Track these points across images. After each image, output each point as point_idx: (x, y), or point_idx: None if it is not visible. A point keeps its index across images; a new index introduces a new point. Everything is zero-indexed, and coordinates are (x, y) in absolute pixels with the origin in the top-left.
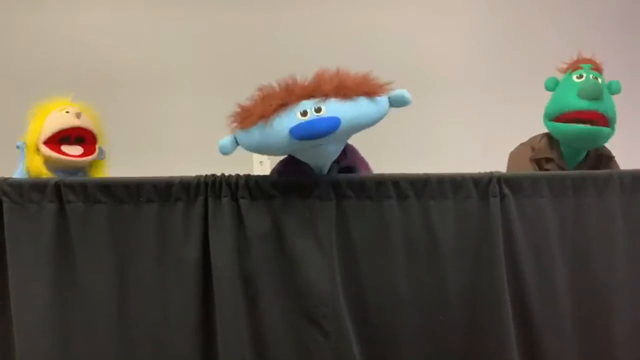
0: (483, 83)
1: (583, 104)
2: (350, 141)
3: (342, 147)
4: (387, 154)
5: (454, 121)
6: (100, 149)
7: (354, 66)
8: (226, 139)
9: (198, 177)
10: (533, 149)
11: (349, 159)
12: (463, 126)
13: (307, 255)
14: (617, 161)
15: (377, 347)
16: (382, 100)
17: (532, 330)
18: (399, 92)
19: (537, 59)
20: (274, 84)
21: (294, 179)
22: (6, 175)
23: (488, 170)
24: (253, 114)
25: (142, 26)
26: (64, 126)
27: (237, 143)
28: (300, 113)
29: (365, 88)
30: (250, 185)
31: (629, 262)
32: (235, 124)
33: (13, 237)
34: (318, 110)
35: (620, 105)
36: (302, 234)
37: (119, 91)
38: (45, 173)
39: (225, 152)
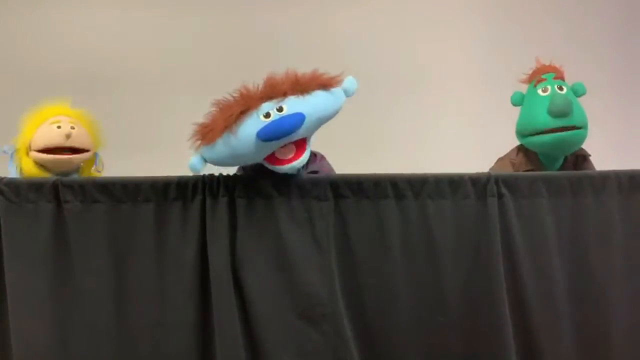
0: (482, 83)
1: (555, 123)
2: (348, 139)
3: (307, 157)
4: (385, 153)
5: (452, 121)
6: (96, 154)
7: (355, 66)
8: (194, 158)
9: (196, 177)
10: (513, 164)
11: (316, 164)
12: (461, 126)
13: (305, 255)
14: (617, 161)
15: (375, 347)
16: (337, 91)
17: (530, 330)
18: (348, 80)
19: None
20: (229, 97)
21: (292, 178)
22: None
23: (486, 170)
24: (215, 128)
25: (142, 26)
26: (51, 145)
27: (205, 160)
28: (263, 115)
29: (319, 81)
30: (247, 185)
31: (627, 261)
32: (199, 142)
33: (10, 236)
34: (280, 109)
35: (620, 105)
36: (299, 234)
37: (117, 90)
38: (37, 173)
39: (195, 170)
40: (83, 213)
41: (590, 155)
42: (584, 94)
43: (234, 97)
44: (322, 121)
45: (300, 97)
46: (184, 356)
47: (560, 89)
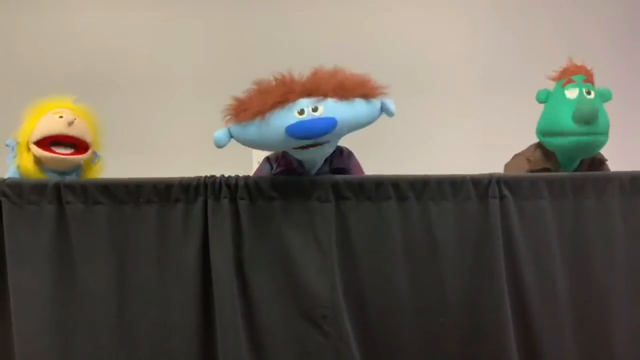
0: (483, 83)
1: (579, 129)
2: (348, 141)
3: (334, 147)
4: (387, 154)
5: (453, 122)
6: (95, 153)
7: (354, 66)
8: (221, 132)
9: (198, 178)
10: (529, 160)
11: (342, 161)
12: (463, 127)
13: (306, 257)
14: (617, 162)
15: (377, 348)
16: (376, 103)
17: (532, 332)
18: (389, 101)
19: (537, 59)
20: (271, 79)
21: (293, 179)
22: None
23: (488, 171)
24: (249, 109)
25: (143, 26)
26: (54, 132)
27: (231, 136)
28: (298, 111)
29: (363, 90)
30: (249, 186)
31: (628, 263)
32: (230, 117)
33: (13, 237)
34: (315, 109)
35: (620, 106)
36: (301, 236)
37: (119, 91)
38: (34, 172)
39: (220, 144)
40: (85, 214)
41: (607, 160)
42: (609, 99)
43: (276, 80)
44: (353, 128)
45: (339, 101)
46: (186, 357)
47: (588, 93)
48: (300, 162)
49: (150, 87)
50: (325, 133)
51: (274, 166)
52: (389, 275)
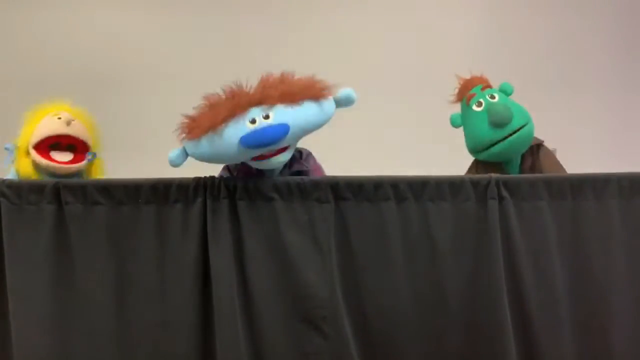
0: None
1: (502, 132)
2: (349, 142)
3: (291, 154)
4: (386, 155)
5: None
6: (94, 154)
7: (354, 67)
8: (175, 151)
9: (197, 179)
10: None
11: (301, 163)
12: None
13: (305, 258)
14: (617, 162)
15: (376, 349)
16: (328, 102)
17: (531, 332)
18: (344, 92)
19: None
20: (220, 92)
21: (293, 180)
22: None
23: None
24: (201, 125)
25: (142, 26)
26: (53, 133)
27: (186, 154)
28: (249, 121)
29: (311, 92)
30: (248, 187)
31: (628, 264)
32: (183, 135)
33: (11, 238)
34: (266, 117)
35: (620, 106)
36: (300, 236)
37: (118, 91)
38: (33, 177)
39: (174, 163)
40: (84, 215)
41: (543, 141)
42: (512, 92)
43: (224, 93)
44: (307, 131)
45: (289, 107)
46: (185, 357)
47: (492, 97)
48: (259, 169)
49: (149, 87)
50: (279, 140)
51: (235, 174)
52: (388, 276)
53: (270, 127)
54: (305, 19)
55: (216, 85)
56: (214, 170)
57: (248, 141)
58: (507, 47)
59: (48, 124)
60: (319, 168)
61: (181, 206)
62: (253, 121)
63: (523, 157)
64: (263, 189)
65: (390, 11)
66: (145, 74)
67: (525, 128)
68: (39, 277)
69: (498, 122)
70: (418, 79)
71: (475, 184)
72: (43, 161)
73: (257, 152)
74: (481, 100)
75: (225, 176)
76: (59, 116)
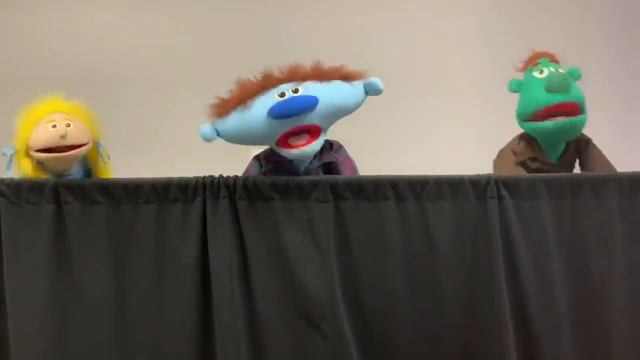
0: (483, 84)
1: (554, 98)
2: (348, 141)
3: (322, 143)
4: (385, 155)
5: (452, 123)
6: (98, 144)
7: (354, 66)
8: (205, 126)
9: (196, 178)
10: (515, 153)
11: (331, 155)
12: (462, 128)
13: (305, 257)
14: (618, 163)
15: (375, 348)
16: (358, 85)
17: (530, 332)
18: (373, 79)
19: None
20: (251, 77)
21: (292, 180)
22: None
23: (486, 172)
24: (231, 102)
25: (142, 26)
26: (49, 145)
27: (217, 131)
28: (278, 94)
29: (341, 72)
30: (248, 186)
31: (627, 264)
32: (214, 114)
33: (10, 237)
34: (295, 91)
35: (620, 106)
36: (300, 236)
37: (117, 91)
38: (36, 175)
39: (206, 137)
40: (83, 214)
41: (591, 140)
42: (579, 78)
43: (256, 77)
44: (338, 110)
45: (318, 83)
46: (184, 357)
47: (557, 70)
48: (289, 160)
49: (149, 87)
50: (307, 110)
51: (264, 164)
52: (387, 276)
53: (299, 97)
54: (307, 18)
55: (216, 85)
56: (214, 170)
57: (276, 111)
58: (508, 47)
59: (43, 134)
60: (350, 160)
61: (180, 206)
62: (282, 94)
63: (566, 148)
64: (262, 189)
65: (389, 11)
66: (146, 74)
67: (580, 116)
68: (38, 276)
69: (554, 87)
70: (420, 78)
71: (474, 183)
72: (44, 155)
73: (286, 126)
74: (544, 69)
75: (254, 167)
76: (54, 123)
